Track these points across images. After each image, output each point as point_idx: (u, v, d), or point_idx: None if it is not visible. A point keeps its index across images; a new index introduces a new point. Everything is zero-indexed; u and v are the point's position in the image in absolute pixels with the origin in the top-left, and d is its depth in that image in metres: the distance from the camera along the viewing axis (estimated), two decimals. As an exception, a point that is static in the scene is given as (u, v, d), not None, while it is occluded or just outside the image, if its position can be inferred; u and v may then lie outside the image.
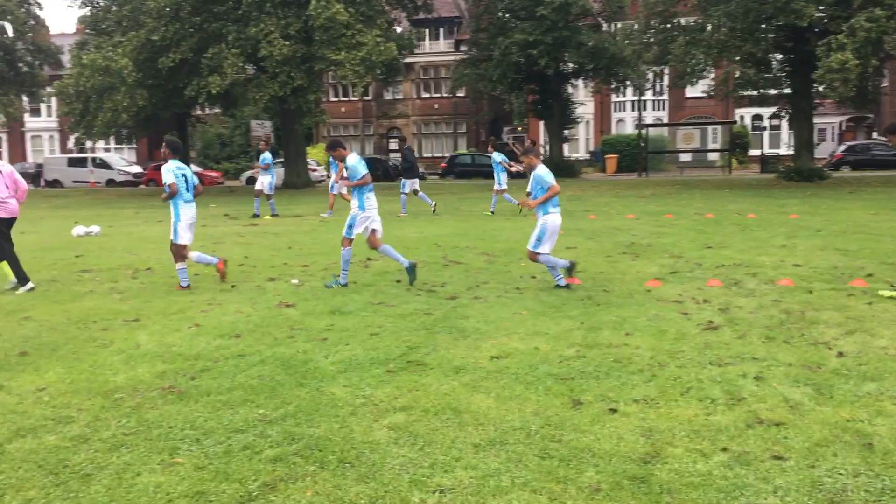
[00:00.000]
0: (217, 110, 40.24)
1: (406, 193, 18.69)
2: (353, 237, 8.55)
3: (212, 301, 7.83)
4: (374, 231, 8.60)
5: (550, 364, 5.31)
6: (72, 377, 5.27)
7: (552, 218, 8.27)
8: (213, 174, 42.73)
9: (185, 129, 38.76)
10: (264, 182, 18.32)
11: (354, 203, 8.59)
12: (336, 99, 51.92)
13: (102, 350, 5.97)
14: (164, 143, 8.66)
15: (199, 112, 41.66)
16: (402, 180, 19.10)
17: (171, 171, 8.36)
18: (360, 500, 3.38)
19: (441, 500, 3.36)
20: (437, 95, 51.82)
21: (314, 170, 37.78)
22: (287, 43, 27.31)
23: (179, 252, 8.65)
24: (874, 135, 46.61)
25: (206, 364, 5.50)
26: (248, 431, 4.19)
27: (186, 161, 34.57)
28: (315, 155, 43.09)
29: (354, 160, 8.62)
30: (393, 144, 52.83)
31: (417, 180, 19.13)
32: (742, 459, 3.67)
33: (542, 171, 8.36)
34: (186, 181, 8.53)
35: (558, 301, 7.44)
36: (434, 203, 18.72)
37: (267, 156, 18.05)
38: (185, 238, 8.59)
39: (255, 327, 6.60)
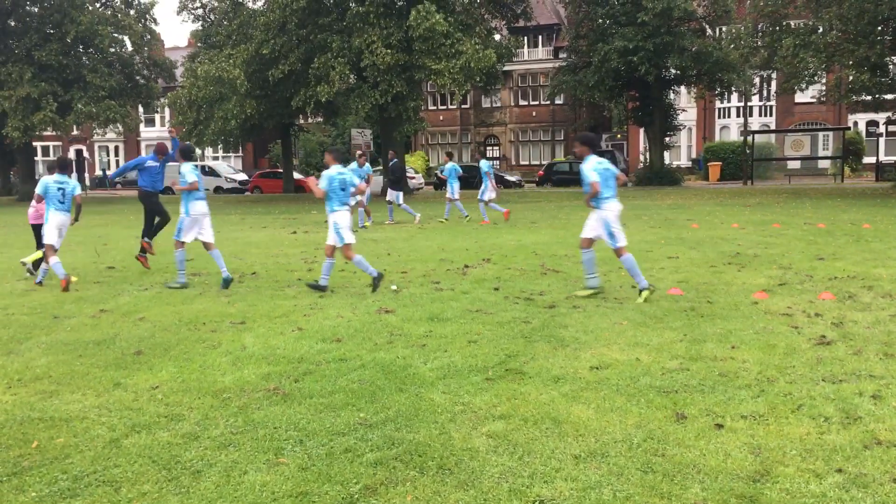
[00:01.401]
0: (319, 119, 41.31)
1: (391, 202, 19.28)
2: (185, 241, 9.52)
3: (314, 306, 8.03)
4: (347, 245, 8.87)
5: (652, 376, 5.19)
6: (183, 376, 5.50)
7: (605, 210, 8.24)
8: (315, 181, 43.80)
9: (288, 137, 39.96)
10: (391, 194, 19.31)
11: (182, 210, 9.57)
12: (434, 107, 52.44)
13: (211, 351, 6.21)
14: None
15: (301, 121, 42.88)
16: (389, 190, 19.67)
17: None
18: (460, 507, 3.38)
19: (541, 510, 3.33)
20: (535, 103, 51.62)
21: (412, 177, 38.26)
22: (389, 52, 27.81)
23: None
24: None
25: (308, 367, 5.64)
26: (350, 435, 4.27)
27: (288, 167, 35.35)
28: (413, 163, 43.65)
29: (186, 168, 9.66)
30: (490, 152, 52.95)
31: (402, 193, 19.62)
32: (859, 482, 3.49)
33: (584, 167, 8.19)
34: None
35: (660, 312, 7.27)
36: (419, 216, 18.79)
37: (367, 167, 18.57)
38: None
39: (356, 332, 6.72)
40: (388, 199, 19.51)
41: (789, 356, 5.62)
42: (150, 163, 11.19)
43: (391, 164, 20.64)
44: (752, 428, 4.21)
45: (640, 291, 7.99)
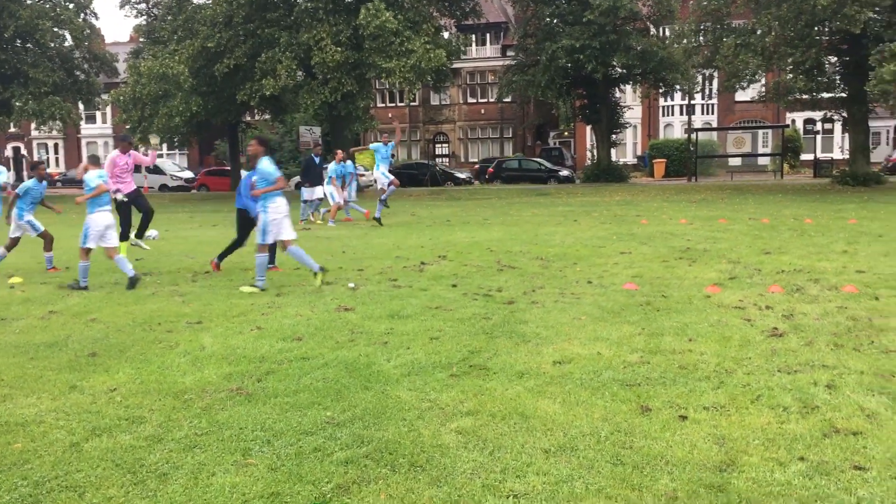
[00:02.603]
0: (267, 116, 40.80)
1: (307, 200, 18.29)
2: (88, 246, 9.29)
3: (271, 304, 7.94)
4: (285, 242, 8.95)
5: (615, 370, 5.26)
6: (142, 378, 5.38)
7: (270, 209, 8.74)
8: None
9: (235, 135, 39.36)
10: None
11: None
12: (383, 105, 52.25)
13: (169, 351, 6.09)
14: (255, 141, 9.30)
15: (249, 118, 42.29)
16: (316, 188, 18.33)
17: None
18: (434, 504, 3.39)
19: (515, 505, 3.35)
20: (484, 101, 51.84)
21: (362, 175, 38.05)
22: (339, 49, 27.60)
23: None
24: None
25: (270, 366, 5.57)
26: (318, 434, 4.23)
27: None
28: (362, 160, 43.39)
29: (91, 175, 9.29)
30: (439, 150, 53.01)
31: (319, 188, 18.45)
32: (821, 469, 3.60)
33: (261, 166, 8.82)
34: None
35: (617, 307, 7.37)
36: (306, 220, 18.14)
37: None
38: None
39: (316, 330, 6.66)
40: (320, 196, 18.65)
41: (745, 348, 5.76)
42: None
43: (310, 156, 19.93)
44: (714, 419, 4.31)
45: (315, 274, 8.86)
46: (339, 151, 18.65)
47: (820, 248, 11.28)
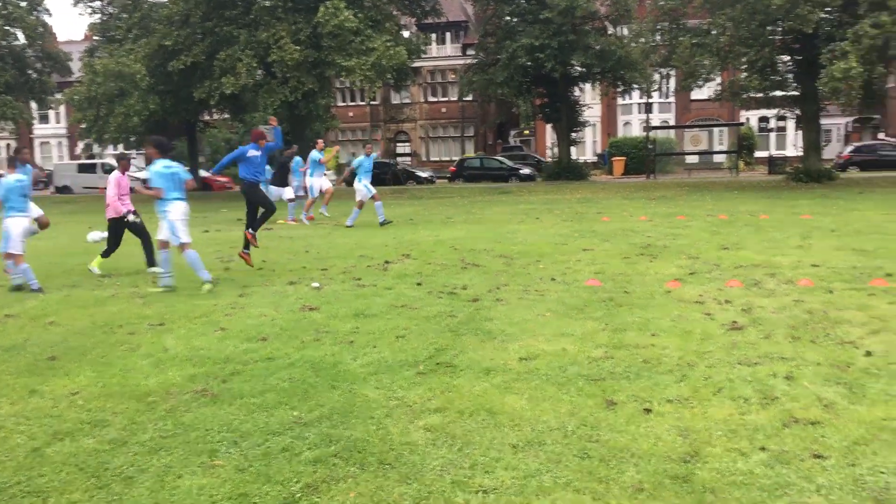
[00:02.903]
0: (226, 116, 40.37)
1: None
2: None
3: (234, 305, 7.87)
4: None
5: (580, 365, 5.33)
6: (103, 381, 5.30)
7: (169, 210, 8.96)
8: (223, 179, 42.84)
9: (194, 134, 38.90)
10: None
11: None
12: (344, 104, 52.05)
13: (131, 354, 6.00)
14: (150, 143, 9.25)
15: (207, 117, 41.79)
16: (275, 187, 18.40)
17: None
18: (405, 502, 3.40)
19: (485, 500, 3.38)
20: (445, 99, 51.93)
21: (324, 174, 37.81)
22: (298, 48, 27.41)
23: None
24: (881, 135, 46.51)
25: (236, 367, 5.53)
26: (286, 433, 4.21)
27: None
28: (325, 160, 43.12)
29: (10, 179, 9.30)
30: (400, 148, 52.93)
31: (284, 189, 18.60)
32: (782, 458, 3.68)
33: (151, 169, 8.98)
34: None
35: (580, 303, 7.45)
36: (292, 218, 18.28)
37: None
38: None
39: (281, 331, 6.62)
40: (290, 197, 18.69)
41: (706, 341, 5.86)
42: (252, 152, 10.55)
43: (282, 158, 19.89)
44: (678, 411, 4.38)
45: (203, 284, 8.81)
46: (320, 140, 18.61)
47: (776, 243, 11.52)
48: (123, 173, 10.85)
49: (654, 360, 5.41)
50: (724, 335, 6.05)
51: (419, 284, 8.76)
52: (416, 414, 4.46)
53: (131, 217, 10.69)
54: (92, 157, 47.24)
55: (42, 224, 10.61)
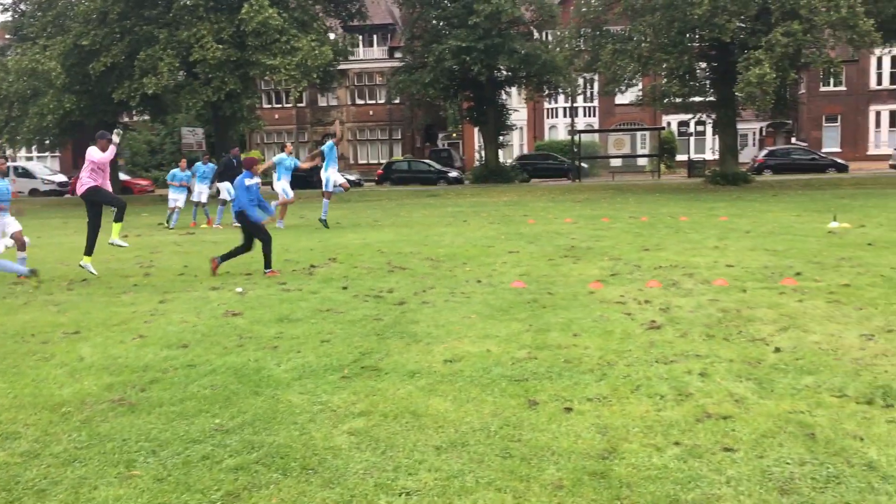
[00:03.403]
0: (146, 117, 39.32)
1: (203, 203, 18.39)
2: None
3: (154, 312, 7.69)
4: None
5: (503, 366, 5.40)
6: (14, 392, 5.12)
7: None
8: (143, 182, 41.73)
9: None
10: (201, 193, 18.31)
11: None
12: (270, 105, 51.35)
13: (44, 364, 5.80)
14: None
15: (127, 119, 40.63)
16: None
17: None
18: (327, 506, 3.39)
19: (408, 502, 3.40)
20: (372, 102, 51.77)
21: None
22: (221, 47, 26.92)
23: None
24: (793, 140, 48.50)
25: (155, 375, 5.41)
26: (206, 441, 4.15)
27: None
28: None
29: None
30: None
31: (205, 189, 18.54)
32: (694, 452, 3.81)
33: None
34: None
35: (505, 304, 7.55)
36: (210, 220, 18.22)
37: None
38: None
39: (203, 337, 6.51)
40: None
41: (625, 341, 6.02)
42: (248, 181, 10.33)
43: (224, 159, 19.57)
44: (597, 409, 4.49)
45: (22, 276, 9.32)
46: (289, 144, 18.29)
47: (694, 244, 11.89)
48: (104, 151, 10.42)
49: (575, 359, 5.52)
50: (643, 334, 6.22)
51: (345, 288, 8.72)
52: (340, 418, 4.45)
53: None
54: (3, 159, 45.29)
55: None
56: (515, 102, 44.95)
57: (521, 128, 49.45)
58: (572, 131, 40.03)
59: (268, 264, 9.97)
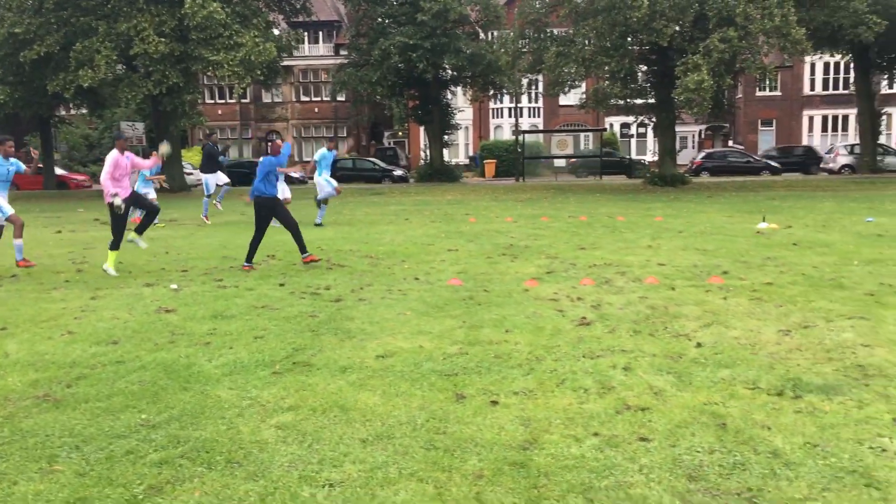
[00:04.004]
0: (84, 111, 38.39)
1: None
2: None
3: (85, 308, 7.57)
4: None
5: (434, 361, 5.48)
6: (-66, 389, 5.01)
7: None
8: (80, 177, 40.71)
9: (48, 129, 36.78)
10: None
11: None
12: (213, 101, 50.58)
13: (-33, 360, 5.69)
14: None
15: (64, 112, 39.61)
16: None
17: None
18: (250, 498, 3.42)
19: (331, 493, 3.46)
20: (318, 99, 51.40)
21: (190, 173, 36.66)
22: (163, 40, 26.43)
23: None
24: (730, 143, 49.79)
25: (82, 371, 5.35)
26: (131, 437, 4.14)
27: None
28: (190, 158, 41.81)
29: None
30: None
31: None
32: (611, 442, 3.96)
33: None
34: None
35: (441, 301, 7.64)
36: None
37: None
38: None
39: (134, 333, 6.45)
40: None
41: (555, 337, 6.16)
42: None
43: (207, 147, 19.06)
44: (522, 403, 4.61)
45: None
46: (279, 141, 17.91)
47: (628, 243, 12.17)
48: (122, 153, 9.92)
49: (505, 355, 5.64)
50: (572, 330, 6.37)
51: (282, 285, 8.71)
52: (268, 413, 4.48)
53: (117, 201, 9.62)
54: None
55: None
56: (461, 102, 45.17)
57: (467, 127, 49.72)
58: (516, 131, 40.40)
59: (302, 249, 10.14)
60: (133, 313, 7.27)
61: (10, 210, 10.04)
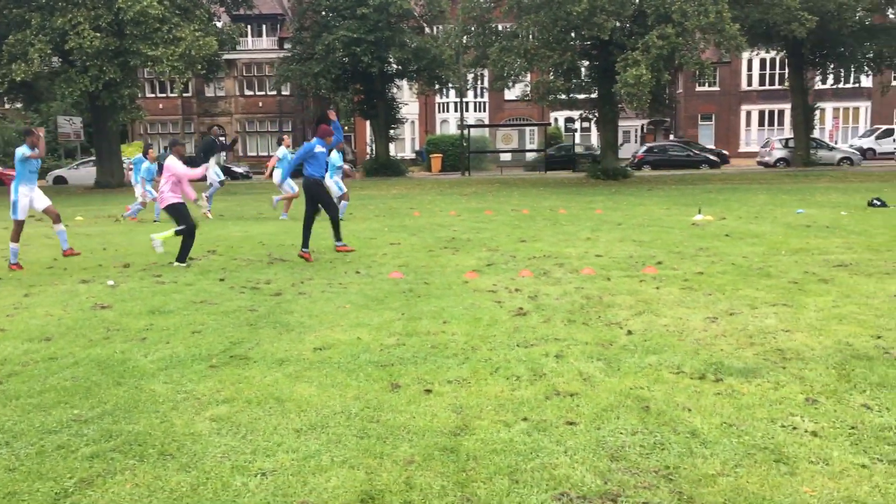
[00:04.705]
0: (18, 105, 37.31)
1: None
2: None
3: (18, 305, 7.44)
4: None
5: (371, 352, 5.56)
6: None
7: None
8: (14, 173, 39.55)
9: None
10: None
11: None
12: (153, 95, 49.65)
13: None
14: None
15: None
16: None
17: None
18: (181, 489, 3.46)
19: (263, 482, 3.51)
20: (262, 93, 50.82)
21: (130, 168, 35.90)
22: (98, 35, 25.85)
23: None
24: (671, 137, 50.78)
25: (13, 368, 5.28)
26: (63, 432, 4.12)
27: None
28: (130, 153, 40.94)
29: None
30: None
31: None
32: (540, 426, 4.09)
33: None
34: None
35: (381, 294, 7.71)
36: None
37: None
38: None
39: (68, 330, 6.37)
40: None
41: (492, 327, 6.29)
42: (319, 148, 10.31)
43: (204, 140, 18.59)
44: (456, 391, 4.71)
45: None
46: (286, 136, 17.58)
47: (568, 235, 12.40)
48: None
49: (441, 345, 5.74)
50: (509, 320, 6.51)
51: (222, 280, 8.68)
52: (203, 405, 4.50)
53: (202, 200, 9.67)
54: None
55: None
56: (407, 96, 45.18)
57: (413, 121, 49.76)
58: (462, 126, 40.59)
59: (337, 237, 10.56)
60: (67, 310, 7.17)
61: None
